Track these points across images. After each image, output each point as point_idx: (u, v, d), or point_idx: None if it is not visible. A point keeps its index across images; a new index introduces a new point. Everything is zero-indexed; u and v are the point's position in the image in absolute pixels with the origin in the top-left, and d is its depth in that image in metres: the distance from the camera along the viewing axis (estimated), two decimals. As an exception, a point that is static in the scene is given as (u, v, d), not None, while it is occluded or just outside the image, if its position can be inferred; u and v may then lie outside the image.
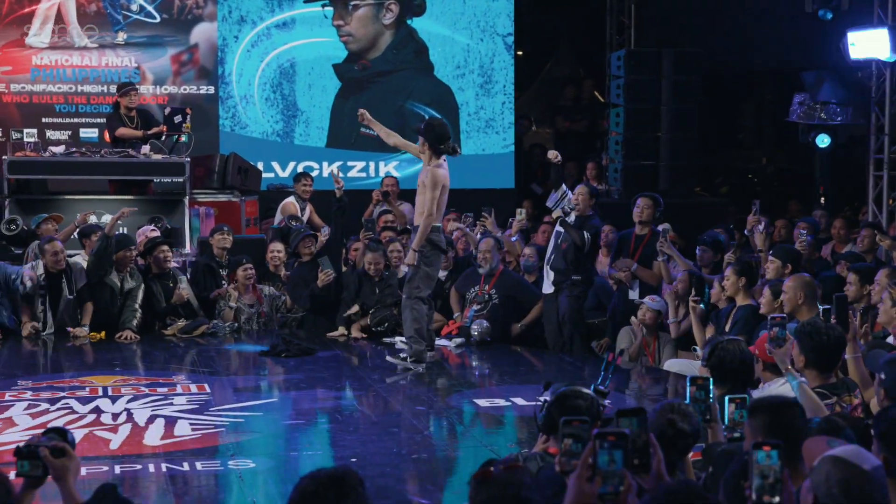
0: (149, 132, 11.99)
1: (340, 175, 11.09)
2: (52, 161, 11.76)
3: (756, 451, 3.07)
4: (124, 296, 10.41)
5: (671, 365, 8.74)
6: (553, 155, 9.83)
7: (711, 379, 4.76)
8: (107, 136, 12.69)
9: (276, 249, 11.04)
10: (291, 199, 12.72)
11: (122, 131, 11.99)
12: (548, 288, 9.80)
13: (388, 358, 9.10)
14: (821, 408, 5.09)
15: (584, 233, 9.59)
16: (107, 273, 10.33)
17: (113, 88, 13.86)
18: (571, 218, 9.71)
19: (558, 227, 9.80)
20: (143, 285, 10.48)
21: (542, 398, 4.35)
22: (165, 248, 10.65)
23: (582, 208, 9.76)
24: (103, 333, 10.21)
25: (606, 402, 4.37)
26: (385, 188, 13.03)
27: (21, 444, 3.53)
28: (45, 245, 10.36)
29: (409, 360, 8.90)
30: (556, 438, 3.93)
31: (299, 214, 12.42)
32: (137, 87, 12.78)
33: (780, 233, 11.27)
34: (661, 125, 14.05)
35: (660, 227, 9.71)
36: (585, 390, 4.29)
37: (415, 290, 8.90)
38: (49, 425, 6.67)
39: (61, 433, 3.61)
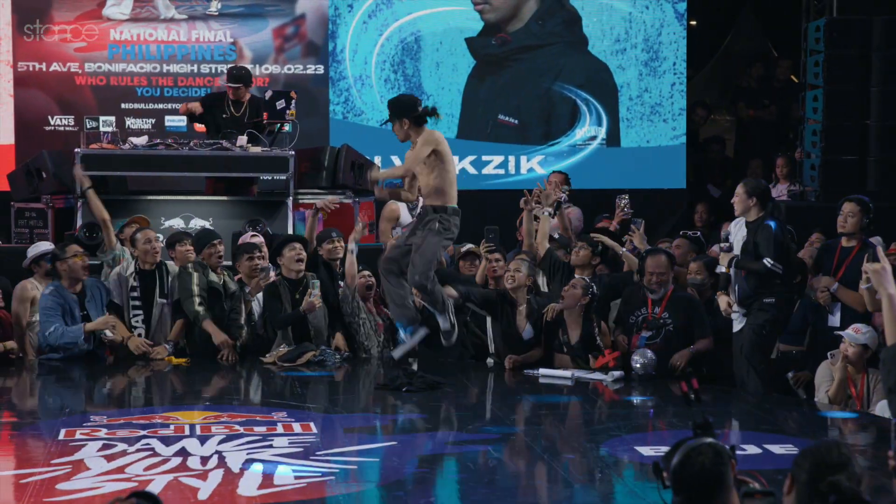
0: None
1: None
2: (133, 154, 11.97)
3: None
4: (231, 302, 10.65)
5: (884, 408, 8.52)
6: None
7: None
8: (197, 125, 12.90)
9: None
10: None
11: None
12: (737, 325, 9.70)
13: (396, 353, 9.73)
14: None
15: (765, 261, 9.42)
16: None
17: (205, 68, 14.15)
18: (731, 241, 9.59)
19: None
20: (244, 296, 10.68)
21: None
22: (298, 246, 10.78)
23: (741, 208, 9.61)
24: (185, 360, 10.45)
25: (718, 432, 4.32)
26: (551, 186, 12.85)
27: None
28: (136, 234, 10.72)
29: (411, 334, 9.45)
30: None
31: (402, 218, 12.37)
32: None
33: None
34: (870, 111, 13.75)
35: (871, 241, 9.50)
36: (709, 442, 4.22)
37: (420, 268, 9.27)
38: (126, 469, 6.86)
39: (151, 499, 3.63)
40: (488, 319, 10.55)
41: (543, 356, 10.33)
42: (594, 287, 10.22)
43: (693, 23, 15.89)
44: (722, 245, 9.78)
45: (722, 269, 9.78)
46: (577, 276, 10.51)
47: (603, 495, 7.06)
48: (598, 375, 9.92)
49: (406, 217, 12.32)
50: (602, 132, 15.51)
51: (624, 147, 15.55)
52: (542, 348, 10.36)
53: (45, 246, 10.93)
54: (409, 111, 9.28)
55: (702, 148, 16.07)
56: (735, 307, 9.67)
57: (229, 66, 13.37)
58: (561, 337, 10.21)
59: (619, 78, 15.52)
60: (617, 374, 9.90)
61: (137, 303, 10.70)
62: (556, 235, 11.62)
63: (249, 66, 14.84)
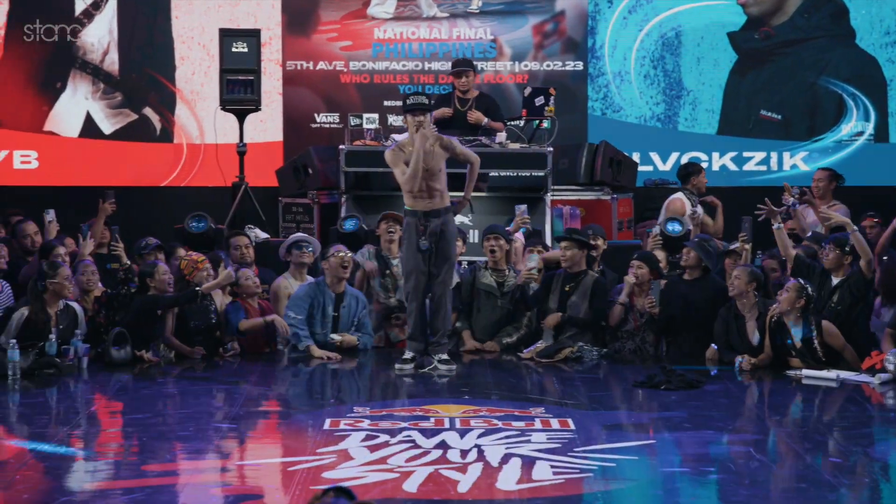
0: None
1: None
2: (395, 151, 12.18)
3: None
4: (505, 301, 10.90)
5: None
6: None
7: None
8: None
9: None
10: (681, 195, 12.55)
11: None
12: None
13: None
14: None
15: None
16: None
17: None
18: None
19: None
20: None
21: None
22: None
23: None
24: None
25: None
26: (815, 182, 12.55)
27: None
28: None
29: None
30: None
31: (688, 213, 12.26)
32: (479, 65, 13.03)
33: None
34: None
35: None
36: None
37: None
38: (389, 461, 7.00)
39: (347, 494, 3.69)
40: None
41: (771, 358, 10.14)
42: (809, 289, 9.98)
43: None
44: None
45: None
46: (794, 280, 10.22)
47: (869, 499, 6.89)
48: (864, 377, 9.69)
49: (689, 210, 12.23)
50: (870, 127, 15.13)
51: (893, 143, 15.14)
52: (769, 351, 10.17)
53: (298, 235, 11.27)
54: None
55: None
56: None
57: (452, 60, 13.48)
58: (786, 340, 10.03)
59: (889, 71, 15.12)
60: (885, 376, 9.64)
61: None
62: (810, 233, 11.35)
63: (509, 63, 15.00)
